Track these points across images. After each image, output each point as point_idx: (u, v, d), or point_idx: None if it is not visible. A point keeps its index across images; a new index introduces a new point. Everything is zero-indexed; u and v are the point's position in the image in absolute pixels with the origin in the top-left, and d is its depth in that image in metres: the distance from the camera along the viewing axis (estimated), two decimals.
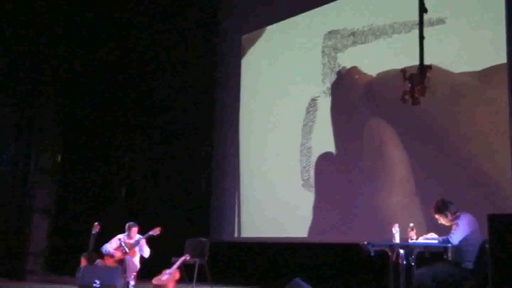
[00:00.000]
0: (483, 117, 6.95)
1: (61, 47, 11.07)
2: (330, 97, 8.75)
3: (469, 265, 5.26)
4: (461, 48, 7.26)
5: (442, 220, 5.57)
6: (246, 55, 10.32)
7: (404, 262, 5.45)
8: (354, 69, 8.47)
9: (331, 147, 8.63)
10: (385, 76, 7.89)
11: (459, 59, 7.26)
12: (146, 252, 8.35)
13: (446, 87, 7.14)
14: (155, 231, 8.31)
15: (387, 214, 7.58)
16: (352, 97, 8.47)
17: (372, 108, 8.12)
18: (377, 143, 8.00)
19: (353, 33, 8.60)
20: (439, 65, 7.09)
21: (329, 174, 8.62)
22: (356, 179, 8.28)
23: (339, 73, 8.64)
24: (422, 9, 5.54)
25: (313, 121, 8.98)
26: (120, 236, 8.42)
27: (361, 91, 8.34)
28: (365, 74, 8.29)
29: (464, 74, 7.11)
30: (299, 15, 9.46)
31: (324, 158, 8.72)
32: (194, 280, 8.39)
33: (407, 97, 5.23)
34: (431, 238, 5.55)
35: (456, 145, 7.16)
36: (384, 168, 7.90)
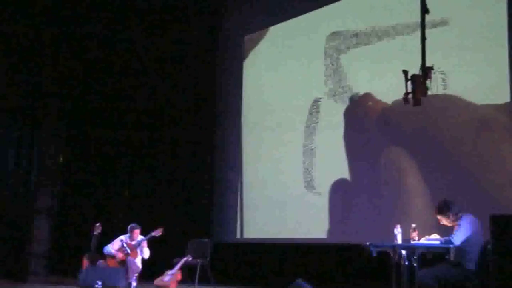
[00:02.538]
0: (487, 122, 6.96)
1: (63, 50, 11.08)
2: (343, 123, 8.53)
3: (471, 266, 5.25)
4: (464, 49, 7.27)
5: (444, 221, 5.57)
6: (249, 56, 10.33)
7: (406, 263, 5.44)
8: (367, 96, 8.26)
9: (333, 149, 8.62)
10: (401, 104, 7.66)
11: (461, 61, 7.27)
12: (146, 254, 8.35)
13: (466, 115, 7.15)
14: (157, 232, 8.32)
15: (389, 215, 7.57)
16: (367, 123, 8.23)
17: (387, 133, 8.03)
18: (382, 156, 8.00)
19: (356, 35, 8.60)
20: (460, 95, 7.11)
21: (332, 177, 8.61)
22: (358, 180, 8.28)
23: (351, 99, 8.45)
24: (424, 10, 5.56)
25: (316, 122, 8.98)
26: (122, 237, 8.43)
27: (376, 118, 8.12)
28: (379, 101, 8.06)
29: (487, 106, 6.99)
30: (302, 16, 9.46)
31: (327, 160, 8.73)
32: (196, 281, 8.39)
33: (409, 98, 5.26)
34: (433, 239, 5.54)
35: (460, 148, 7.16)
36: (386, 171, 7.90)
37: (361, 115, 8.36)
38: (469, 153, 7.03)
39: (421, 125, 7.50)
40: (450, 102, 7.27)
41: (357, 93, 8.44)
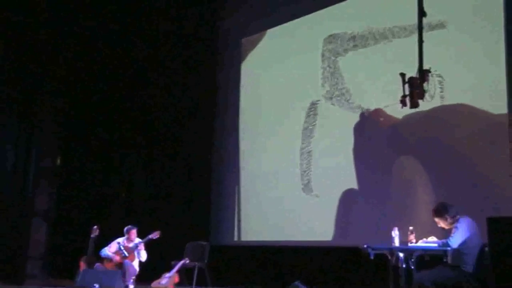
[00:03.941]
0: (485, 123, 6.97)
1: (61, 50, 11.07)
2: (353, 138, 8.43)
3: (469, 268, 5.25)
4: (461, 52, 7.28)
5: (442, 224, 5.58)
6: (247, 58, 10.34)
7: (404, 266, 5.45)
8: (379, 111, 8.12)
9: (330, 151, 8.63)
10: (410, 119, 7.55)
11: (458, 63, 7.28)
12: (143, 257, 8.34)
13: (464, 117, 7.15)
14: (155, 235, 8.32)
15: (387, 217, 7.57)
16: (378, 139, 8.13)
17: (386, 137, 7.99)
18: (380, 158, 8.01)
19: (353, 37, 8.60)
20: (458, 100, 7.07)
21: (330, 179, 8.61)
22: (355, 182, 8.28)
23: (362, 115, 8.34)
24: (421, 13, 5.58)
25: (313, 124, 8.98)
26: (120, 240, 8.42)
27: (387, 133, 8.01)
28: (390, 116, 7.92)
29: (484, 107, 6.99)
30: (300, 19, 9.46)
31: (324, 162, 8.74)
32: (194, 284, 8.39)
33: (406, 100, 5.28)
34: (431, 242, 5.55)
35: (458, 149, 7.17)
36: (384, 174, 7.91)
37: (364, 120, 8.37)
38: (467, 154, 7.04)
39: (420, 128, 7.51)
40: (446, 104, 7.30)
41: (357, 103, 8.46)
